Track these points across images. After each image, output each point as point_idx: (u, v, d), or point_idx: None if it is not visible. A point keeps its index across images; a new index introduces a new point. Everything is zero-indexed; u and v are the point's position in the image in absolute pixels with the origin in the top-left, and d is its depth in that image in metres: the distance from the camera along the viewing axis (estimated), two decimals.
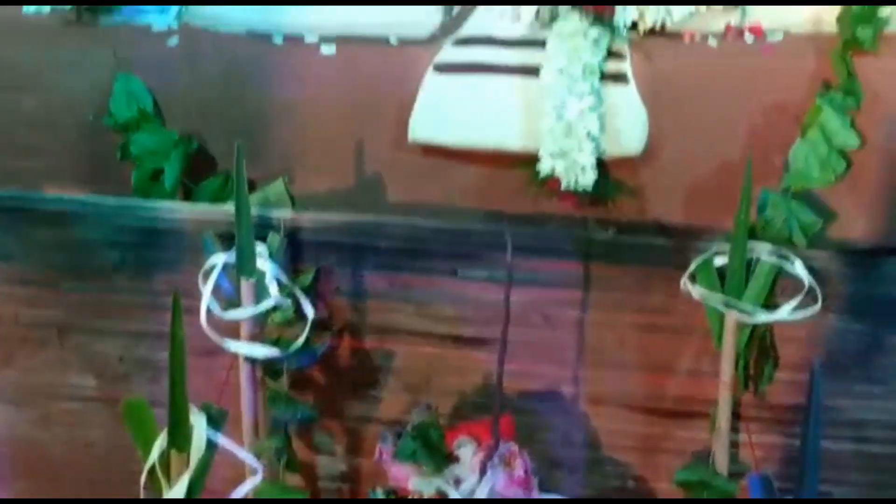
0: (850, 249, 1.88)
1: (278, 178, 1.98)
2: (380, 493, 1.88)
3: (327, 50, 1.99)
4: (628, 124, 1.92)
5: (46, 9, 2.10)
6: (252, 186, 1.92)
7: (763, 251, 1.84)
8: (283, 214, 1.94)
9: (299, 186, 2.00)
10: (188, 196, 2.00)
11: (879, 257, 1.87)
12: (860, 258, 1.87)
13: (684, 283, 1.86)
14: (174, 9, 2.07)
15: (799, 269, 1.83)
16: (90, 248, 1.98)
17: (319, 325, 1.94)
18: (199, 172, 2.00)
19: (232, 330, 1.90)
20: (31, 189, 2.01)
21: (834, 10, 1.94)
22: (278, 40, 2.01)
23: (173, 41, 2.02)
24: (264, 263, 1.88)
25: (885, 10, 1.90)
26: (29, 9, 2.11)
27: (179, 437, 1.70)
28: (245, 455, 1.82)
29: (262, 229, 1.91)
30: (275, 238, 1.91)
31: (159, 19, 2.06)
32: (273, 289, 1.88)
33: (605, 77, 1.93)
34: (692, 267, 1.86)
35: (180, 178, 1.98)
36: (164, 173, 1.97)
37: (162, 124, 2.00)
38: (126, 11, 2.07)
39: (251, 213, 1.86)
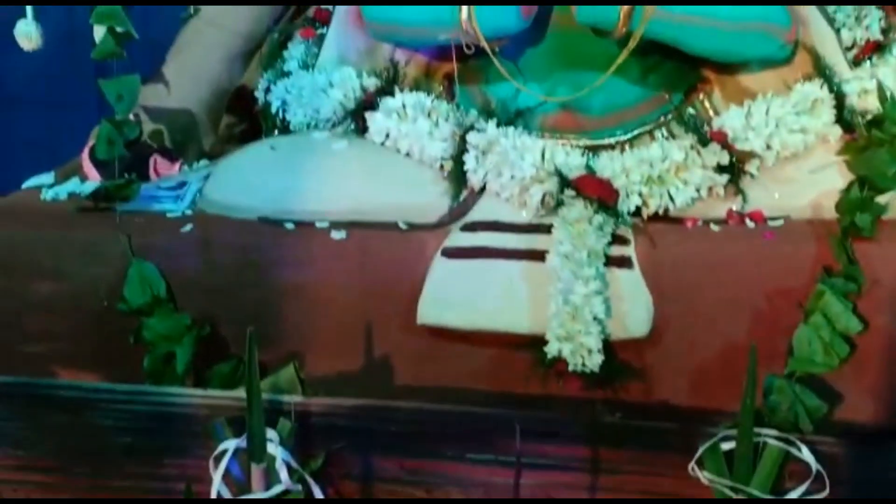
0: (856, 433, 1.89)
1: (289, 364, 2.00)
2: None
3: (338, 235, 2.03)
4: (634, 308, 1.94)
5: (64, 195, 2.15)
6: (263, 370, 1.94)
7: (770, 436, 1.85)
8: (294, 399, 1.95)
9: (310, 369, 2.02)
10: (199, 381, 2.01)
11: (886, 441, 1.88)
12: (867, 442, 1.87)
13: (692, 467, 1.86)
14: (188, 197, 2.12)
15: (806, 454, 1.83)
16: (102, 434, 1.98)
17: None
18: (210, 357, 2.02)
19: None
20: (43, 375, 2.03)
21: (833, 197, 1.99)
22: (290, 226, 2.05)
23: (187, 228, 2.06)
24: (275, 449, 1.89)
25: (883, 198, 1.95)
26: (47, 194, 2.16)
27: None
28: None
29: (273, 414, 1.92)
30: (285, 424, 1.91)
31: (174, 207, 2.11)
32: (283, 474, 1.88)
33: (610, 262, 1.96)
34: (700, 451, 1.86)
35: (192, 363, 2.00)
36: (175, 358, 2.00)
37: (175, 309, 2.02)
38: (141, 200, 2.12)
39: (262, 398, 1.87)
